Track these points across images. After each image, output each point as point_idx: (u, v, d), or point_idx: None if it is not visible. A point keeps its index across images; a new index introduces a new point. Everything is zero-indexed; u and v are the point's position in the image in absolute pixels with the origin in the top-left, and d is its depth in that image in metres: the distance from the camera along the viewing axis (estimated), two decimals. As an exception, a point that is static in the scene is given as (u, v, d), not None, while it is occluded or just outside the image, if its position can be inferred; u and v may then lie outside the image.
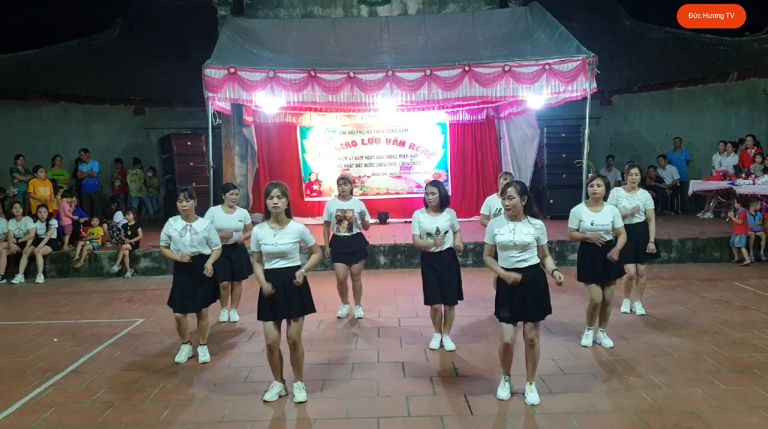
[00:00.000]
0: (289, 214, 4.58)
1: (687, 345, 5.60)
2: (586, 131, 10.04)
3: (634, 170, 6.43)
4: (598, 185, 5.46)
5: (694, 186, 12.55)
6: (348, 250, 6.63)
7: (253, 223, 5.87)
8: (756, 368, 4.95)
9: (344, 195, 6.66)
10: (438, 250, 5.46)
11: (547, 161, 12.81)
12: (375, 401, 4.53)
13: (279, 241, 4.46)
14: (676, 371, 4.93)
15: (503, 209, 4.46)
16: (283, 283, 4.46)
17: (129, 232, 9.89)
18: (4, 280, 9.48)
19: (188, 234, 5.33)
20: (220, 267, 5.76)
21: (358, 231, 6.68)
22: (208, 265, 5.35)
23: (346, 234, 6.60)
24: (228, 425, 4.19)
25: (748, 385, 4.62)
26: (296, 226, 4.58)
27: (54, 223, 10.18)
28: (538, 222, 4.41)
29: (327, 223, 6.73)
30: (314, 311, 4.68)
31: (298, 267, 4.56)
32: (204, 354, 5.52)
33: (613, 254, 5.39)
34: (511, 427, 4.10)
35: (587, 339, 5.66)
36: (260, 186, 13.17)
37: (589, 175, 9.50)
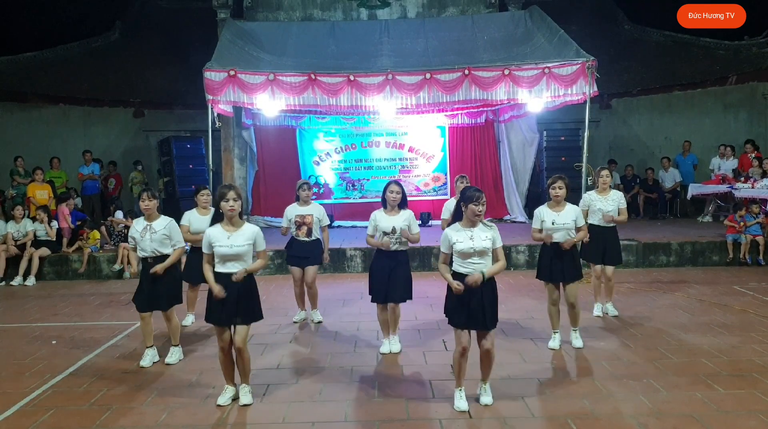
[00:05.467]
0: (241, 216, 4.57)
1: (686, 348, 5.59)
2: (586, 134, 10.05)
3: (605, 172, 6.60)
4: (560, 188, 5.53)
5: (693, 190, 12.55)
6: (303, 254, 6.61)
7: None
8: (755, 372, 4.95)
9: (305, 200, 6.65)
10: (393, 249, 5.42)
11: (546, 164, 12.81)
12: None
13: (234, 242, 4.42)
14: (674, 375, 4.93)
15: (464, 214, 4.31)
16: (235, 288, 4.40)
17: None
18: (3, 283, 9.46)
19: (148, 233, 5.34)
20: (195, 269, 5.61)
21: (317, 237, 6.67)
22: (158, 267, 5.26)
23: (306, 239, 6.60)
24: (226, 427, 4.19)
25: (746, 388, 4.62)
26: (251, 227, 4.56)
27: (54, 223, 10.15)
28: (492, 224, 4.42)
29: (287, 228, 6.70)
30: (261, 318, 4.66)
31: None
32: (175, 354, 5.52)
33: (565, 243, 5.44)
34: (509, 431, 4.10)
35: (554, 341, 5.69)
36: (260, 189, 13.20)
37: (589, 178, 9.55)
